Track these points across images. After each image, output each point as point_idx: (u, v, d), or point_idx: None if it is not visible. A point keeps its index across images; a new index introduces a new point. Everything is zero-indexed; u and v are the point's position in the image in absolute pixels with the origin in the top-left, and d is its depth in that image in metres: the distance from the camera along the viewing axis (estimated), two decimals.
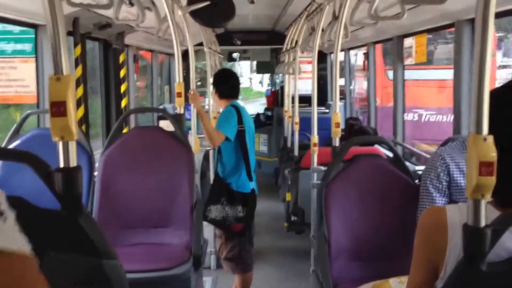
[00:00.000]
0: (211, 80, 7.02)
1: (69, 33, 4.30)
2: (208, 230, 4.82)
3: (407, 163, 3.97)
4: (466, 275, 1.28)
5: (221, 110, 4.68)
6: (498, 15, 3.39)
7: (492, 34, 1.30)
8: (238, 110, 4.40)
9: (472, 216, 1.29)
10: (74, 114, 1.48)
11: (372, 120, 7.31)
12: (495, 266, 1.27)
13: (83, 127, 4.41)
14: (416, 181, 3.32)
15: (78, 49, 4.40)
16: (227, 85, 4.58)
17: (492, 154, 1.26)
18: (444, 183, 2.81)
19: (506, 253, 1.29)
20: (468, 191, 1.29)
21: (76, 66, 4.42)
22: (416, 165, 5.19)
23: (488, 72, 1.28)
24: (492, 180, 1.26)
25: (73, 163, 1.50)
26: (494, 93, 1.33)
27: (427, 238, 1.46)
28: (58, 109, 1.45)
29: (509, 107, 1.39)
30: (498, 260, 1.28)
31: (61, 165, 1.49)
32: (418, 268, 1.48)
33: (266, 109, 12.22)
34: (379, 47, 6.12)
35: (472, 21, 3.93)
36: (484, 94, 1.27)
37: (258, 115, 11.43)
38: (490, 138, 1.27)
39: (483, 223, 1.28)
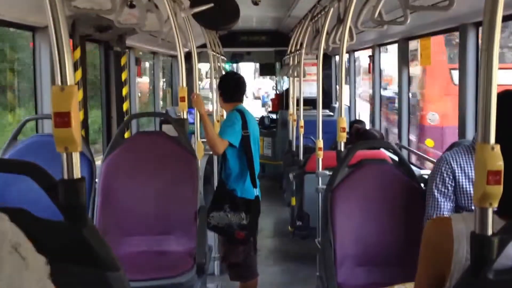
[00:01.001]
0: (214, 82, 7.01)
1: (69, 36, 4.22)
2: (212, 236, 4.79)
3: (413, 167, 3.95)
4: (473, 283, 1.27)
5: (224, 113, 4.64)
6: (506, 19, 3.38)
7: (499, 38, 1.28)
8: (243, 115, 4.33)
9: (480, 225, 1.28)
10: (78, 124, 1.46)
11: (377, 123, 7.29)
12: (501, 274, 1.26)
13: (83, 132, 4.35)
14: (422, 185, 3.31)
15: (78, 52, 4.31)
16: (232, 88, 4.51)
17: (499, 163, 1.25)
18: (450, 188, 2.81)
19: (508, 260, 1.28)
20: (476, 200, 1.29)
21: (76, 69, 4.33)
22: (422, 169, 5.17)
23: (495, 78, 1.27)
24: (499, 189, 1.26)
25: (77, 174, 1.48)
26: (497, 99, 1.32)
27: (432, 249, 1.45)
28: (62, 119, 1.44)
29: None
30: (503, 268, 1.27)
31: (65, 176, 1.48)
32: (424, 279, 1.48)
33: (270, 112, 12.20)
34: (436, 38, 5.53)
35: (476, 24, 3.91)
36: (491, 102, 1.26)
37: (262, 118, 11.42)
38: (497, 147, 1.26)
39: (490, 232, 1.28)
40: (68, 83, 1.46)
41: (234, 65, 14.44)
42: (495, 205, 1.28)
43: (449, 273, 1.37)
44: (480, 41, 3.89)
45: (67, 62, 1.47)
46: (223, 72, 8.95)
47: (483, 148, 1.27)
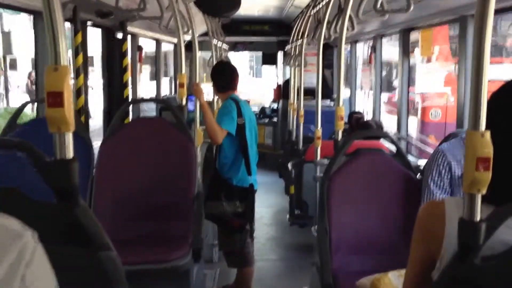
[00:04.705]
0: None
1: (70, 21, 4.20)
2: (210, 223, 4.80)
3: (410, 157, 3.97)
4: (460, 268, 1.29)
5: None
6: (498, 12, 3.37)
7: (491, 30, 1.30)
8: (237, 103, 4.34)
9: (468, 210, 1.30)
10: (70, 105, 1.47)
11: (377, 114, 7.28)
12: (490, 259, 1.27)
13: (83, 118, 4.34)
14: (418, 175, 3.32)
15: (79, 37, 4.30)
16: (224, 77, 4.51)
17: (488, 149, 1.26)
18: (446, 180, 2.81)
19: (502, 246, 1.29)
20: (465, 186, 1.30)
21: (77, 54, 4.33)
22: (418, 159, 5.18)
23: (486, 68, 1.28)
24: (488, 175, 1.27)
25: (69, 154, 1.49)
26: (498, 90, 1.34)
27: (425, 230, 1.47)
28: (55, 99, 1.45)
29: (508, 102, 1.39)
30: (493, 253, 1.28)
31: (58, 156, 1.49)
32: (416, 260, 1.50)
33: (272, 102, 12.21)
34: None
35: None
36: (481, 90, 1.27)
37: (263, 108, 11.43)
38: (487, 134, 1.27)
39: (478, 218, 1.29)
40: (62, 64, 1.47)
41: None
42: (484, 191, 1.29)
43: (439, 255, 1.39)
44: None
45: (61, 41, 1.48)
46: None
47: (472, 135, 1.28)
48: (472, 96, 1.29)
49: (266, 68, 19.75)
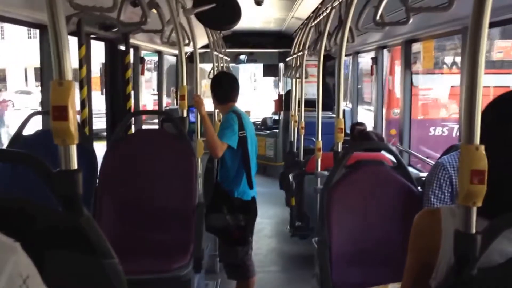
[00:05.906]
0: None
1: (74, 34, 4.23)
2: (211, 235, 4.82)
3: (411, 169, 3.98)
4: (457, 280, 1.30)
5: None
6: (492, 25, 3.40)
7: (485, 42, 1.32)
8: (239, 116, 4.34)
9: (464, 223, 1.31)
10: (74, 118, 1.52)
11: (379, 126, 7.30)
12: (487, 271, 1.29)
13: (87, 129, 4.38)
14: (419, 187, 3.33)
15: (83, 50, 4.36)
16: (224, 89, 4.49)
17: (483, 163, 1.28)
18: (447, 193, 2.82)
19: (501, 257, 1.30)
20: (460, 199, 1.31)
21: (81, 67, 4.38)
22: (420, 171, 5.19)
23: (480, 82, 1.30)
24: (483, 188, 1.28)
25: (73, 165, 1.54)
26: (492, 102, 1.36)
27: (421, 238, 1.49)
28: (60, 113, 1.49)
29: (503, 117, 1.41)
30: (491, 264, 1.30)
31: (63, 167, 1.54)
32: (412, 267, 1.52)
33: (273, 113, 12.24)
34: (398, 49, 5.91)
35: None
36: (475, 104, 1.29)
37: (265, 119, 11.45)
38: (481, 148, 1.29)
39: (474, 230, 1.30)
40: (66, 78, 1.52)
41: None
42: (479, 204, 1.29)
43: (436, 263, 1.41)
44: None
45: (66, 57, 1.52)
46: None
47: (467, 148, 1.29)
48: (466, 109, 1.30)
49: (247, 83, 19.16)
